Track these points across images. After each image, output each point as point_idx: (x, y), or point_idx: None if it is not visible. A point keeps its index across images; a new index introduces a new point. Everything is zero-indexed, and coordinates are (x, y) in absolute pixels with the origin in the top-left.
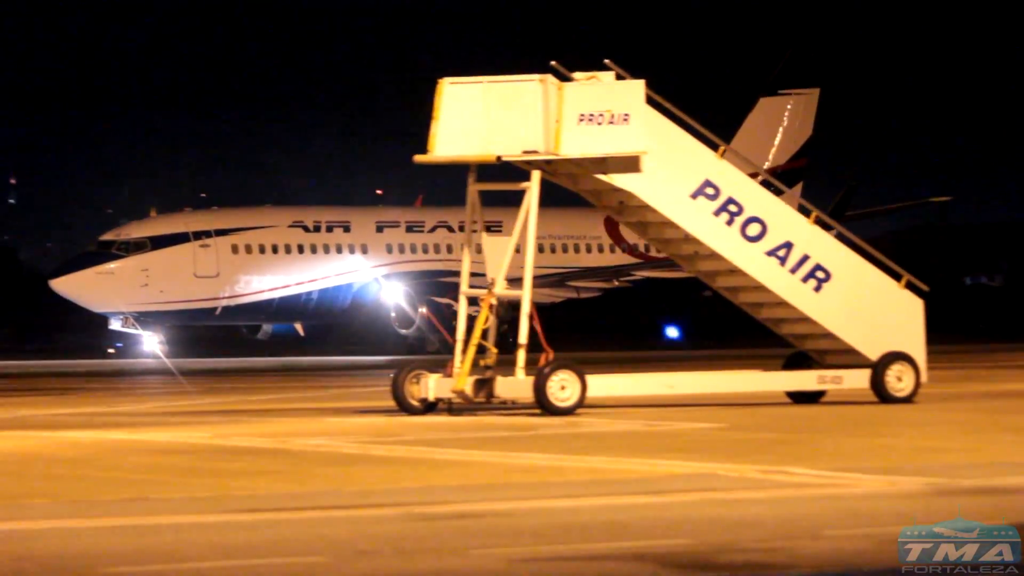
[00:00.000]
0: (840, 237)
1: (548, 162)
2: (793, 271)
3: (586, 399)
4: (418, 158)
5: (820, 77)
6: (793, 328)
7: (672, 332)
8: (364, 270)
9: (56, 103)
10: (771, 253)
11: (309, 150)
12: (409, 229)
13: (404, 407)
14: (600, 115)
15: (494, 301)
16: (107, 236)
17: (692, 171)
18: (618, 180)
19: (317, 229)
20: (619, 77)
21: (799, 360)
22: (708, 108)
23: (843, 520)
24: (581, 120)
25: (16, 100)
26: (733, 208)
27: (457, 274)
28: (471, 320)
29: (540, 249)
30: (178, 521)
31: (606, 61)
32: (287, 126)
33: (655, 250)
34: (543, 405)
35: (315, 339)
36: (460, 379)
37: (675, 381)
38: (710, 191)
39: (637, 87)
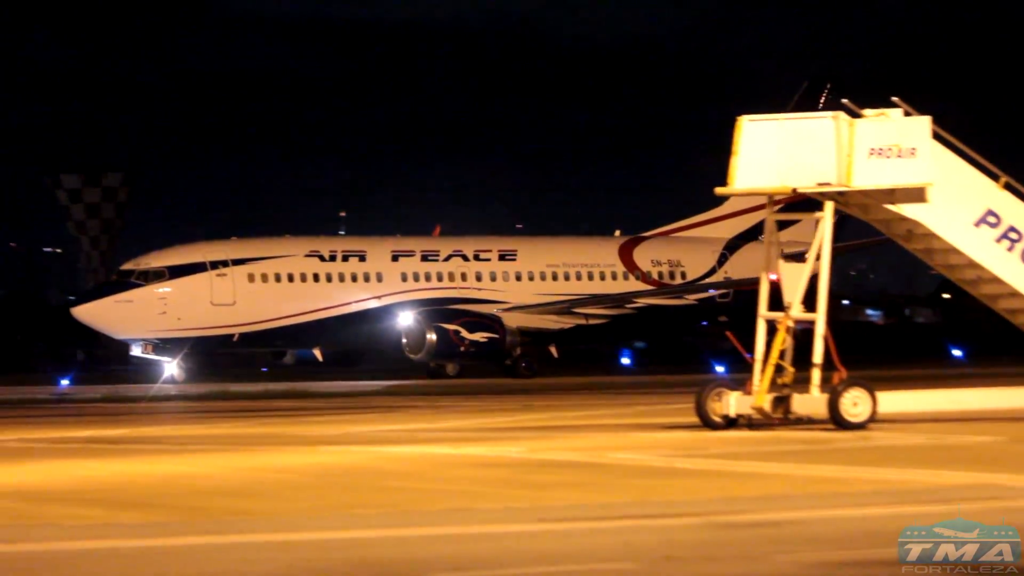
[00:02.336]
0: None
1: (841, 193)
2: None
3: (877, 414)
4: (719, 190)
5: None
6: None
7: (956, 352)
8: (378, 298)
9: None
10: None
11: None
12: (424, 258)
13: (707, 423)
14: (889, 149)
15: (791, 323)
16: (127, 265)
17: (975, 201)
18: (906, 210)
19: (333, 259)
20: (906, 113)
21: None
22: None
23: None
24: (871, 154)
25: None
26: (1014, 236)
27: (467, 301)
28: (769, 341)
29: (554, 277)
30: (497, 530)
31: (894, 99)
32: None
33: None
34: (837, 420)
35: (333, 364)
36: (759, 396)
37: (960, 397)
38: (992, 219)
39: (923, 123)
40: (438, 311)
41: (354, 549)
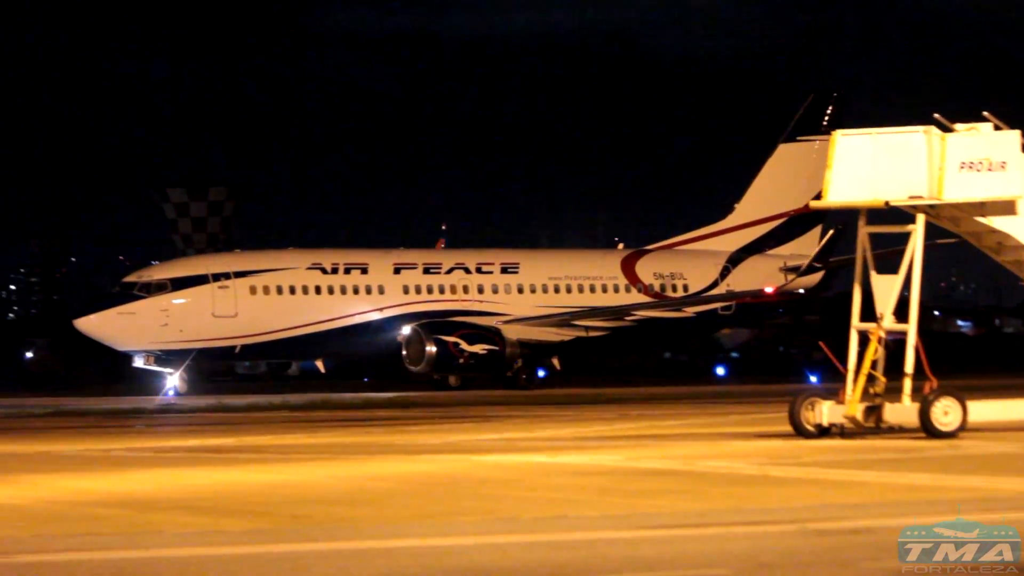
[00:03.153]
0: None
1: (932, 206)
2: None
3: (967, 423)
4: (813, 204)
5: (840, 124)
6: None
7: None
8: (379, 310)
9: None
10: None
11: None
12: (426, 271)
13: (800, 432)
14: (979, 163)
15: (883, 334)
16: (129, 278)
17: None
18: (996, 223)
19: (335, 271)
20: (996, 128)
21: None
22: None
23: None
24: (962, 167)
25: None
26: None
27: (469, 313)
28: (861, 352)
29: (556, 289)
30: (593, 537)
31: (984, 113)
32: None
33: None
34: (927, 429)
35: (336, 375)
36: (851, 406)
37: None
38: None
39: (1013, 137)
40: (438, 323)
41: (453, 556)
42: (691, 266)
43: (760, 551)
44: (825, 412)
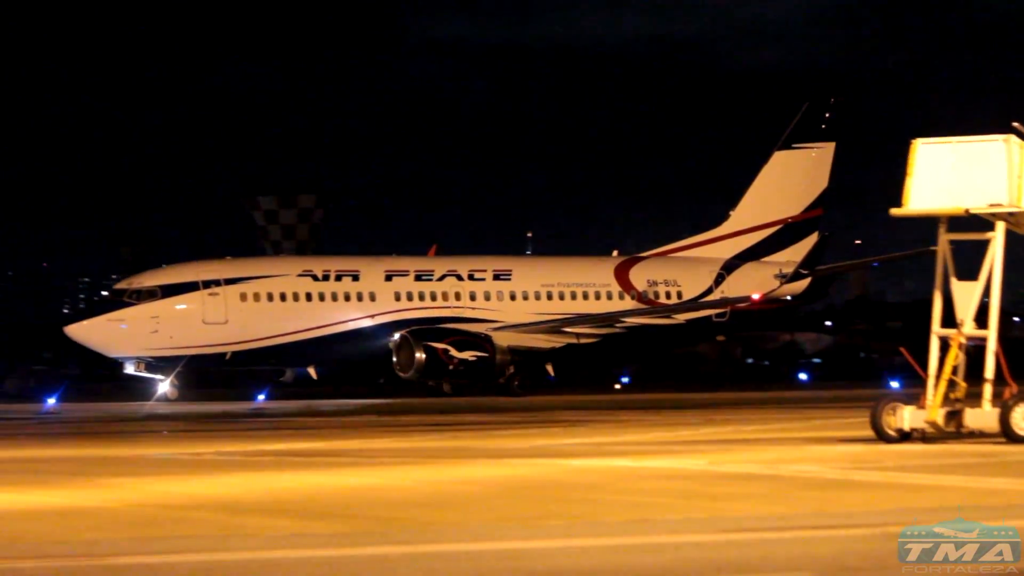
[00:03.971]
0: None
1: (1011, 214)
2: None
3: None
4: (894, 211)
5: (836, 132)
6: None
7: None
8: (371, 317)
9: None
10: None
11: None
12: (418, 278)
13: (881, 436)
14: None
15: (963, 340)
16: (120, 285)
17: None
18: None
19: (326, 278)
20: None
21: None
22: None
23: None
24: None
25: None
26: None
27: (461, 320)
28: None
29: (548, 296)
30: (677, 540)
31: (1013, 124)
32: None
33: None
34: (1008, 434)
35: (329, 382)
36: (932, 411)
37: None
38: None
39: None
40: (428, 330)
41: (537, 559)
42: (685, 273)
43: (843, 555)
44: (906, 417)
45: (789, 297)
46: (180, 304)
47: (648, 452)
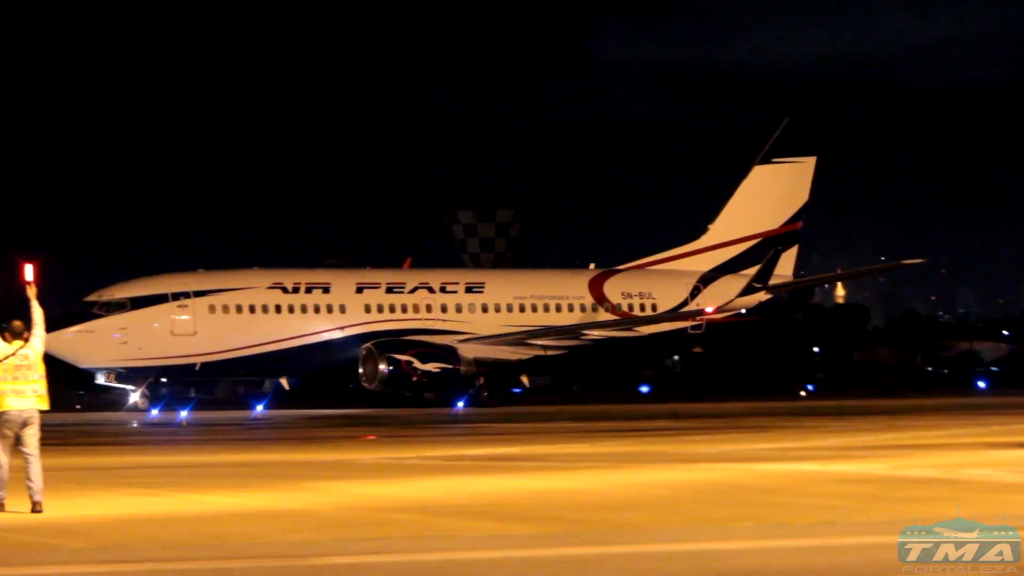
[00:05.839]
0: None
1: None
2: None
3: None
4: None
5: (817, 146)
6: None
7: None
8: (341, 329)
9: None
10: None
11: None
12: (389, 290)
13: None
14: None
15: None
16: (90, 297)
17: None
18: None
19: (296, 290)
20: None
21: None
22: None
23: None
24: None
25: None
26: None
27: (431, 332)
28: None
29: (521, 309)
30: (861, 541)
31: None
32: None
33: None
34: None
35: (301, 393)
36: None
37: None
38: None
39: None
40: (392, 342)
41: (727, 559)
42: (660, 286)
43: None
44: None
45: (744, 311)
46: (149, 316)
47: (832, 457)
